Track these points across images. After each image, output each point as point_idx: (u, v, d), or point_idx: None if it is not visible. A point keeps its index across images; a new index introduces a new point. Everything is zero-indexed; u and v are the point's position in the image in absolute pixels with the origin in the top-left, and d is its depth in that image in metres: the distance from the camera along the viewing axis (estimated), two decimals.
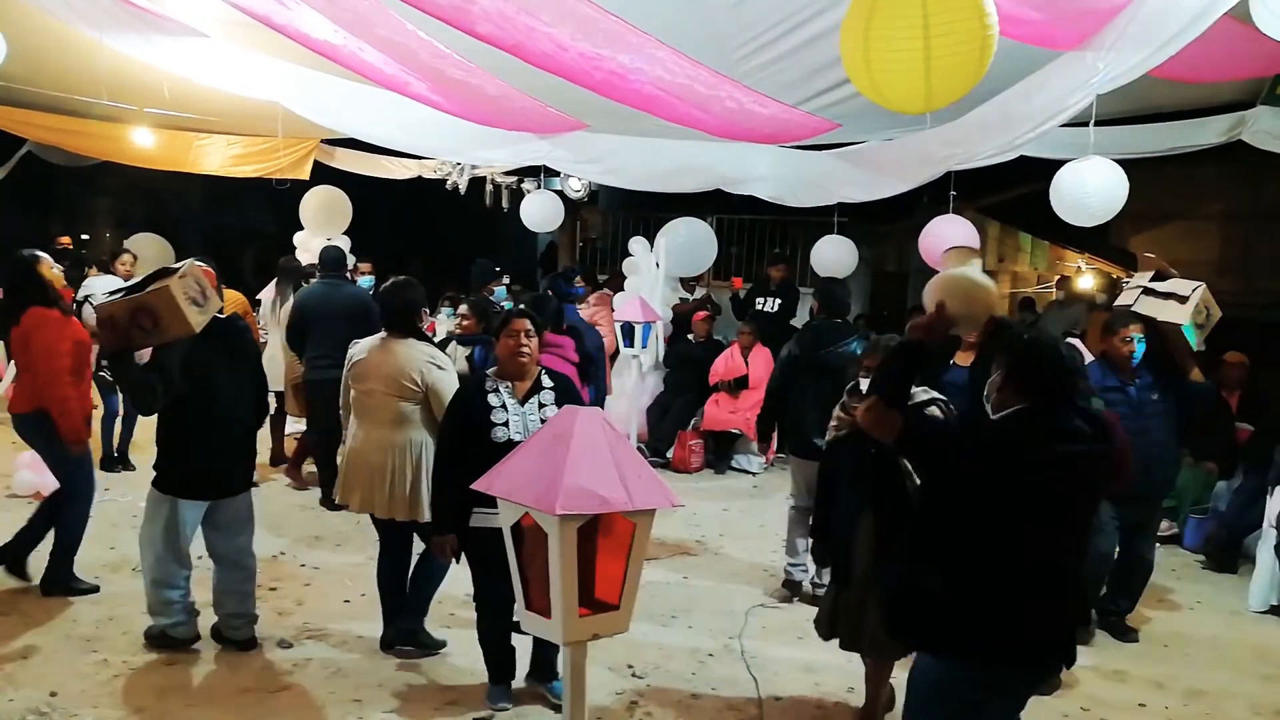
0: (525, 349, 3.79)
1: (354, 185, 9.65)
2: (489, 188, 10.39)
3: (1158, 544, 7.04)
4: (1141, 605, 5.46)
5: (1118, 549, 5.03)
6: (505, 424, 3.74)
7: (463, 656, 4.38)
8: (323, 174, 9.50)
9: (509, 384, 3.82)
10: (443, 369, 4.30)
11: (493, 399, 3.76)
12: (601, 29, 4.57)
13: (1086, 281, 14.27)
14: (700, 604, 5.32)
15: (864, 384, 3.65)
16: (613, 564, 2.21)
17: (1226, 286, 14.47)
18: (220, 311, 4.23)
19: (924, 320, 2.97)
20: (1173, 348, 4.92)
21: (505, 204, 10.42)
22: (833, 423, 4.05)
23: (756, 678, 4.37)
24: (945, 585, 2.69)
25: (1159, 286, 5.06)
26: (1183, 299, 4.92)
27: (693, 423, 8.76)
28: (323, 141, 9.28)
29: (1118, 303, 5.26)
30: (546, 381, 3.88)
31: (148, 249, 9.42)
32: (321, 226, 9.30)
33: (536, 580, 2.23)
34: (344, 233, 9.50)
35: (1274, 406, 6.88)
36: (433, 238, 14.49)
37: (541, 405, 3.81)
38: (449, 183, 9.86)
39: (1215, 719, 4.30)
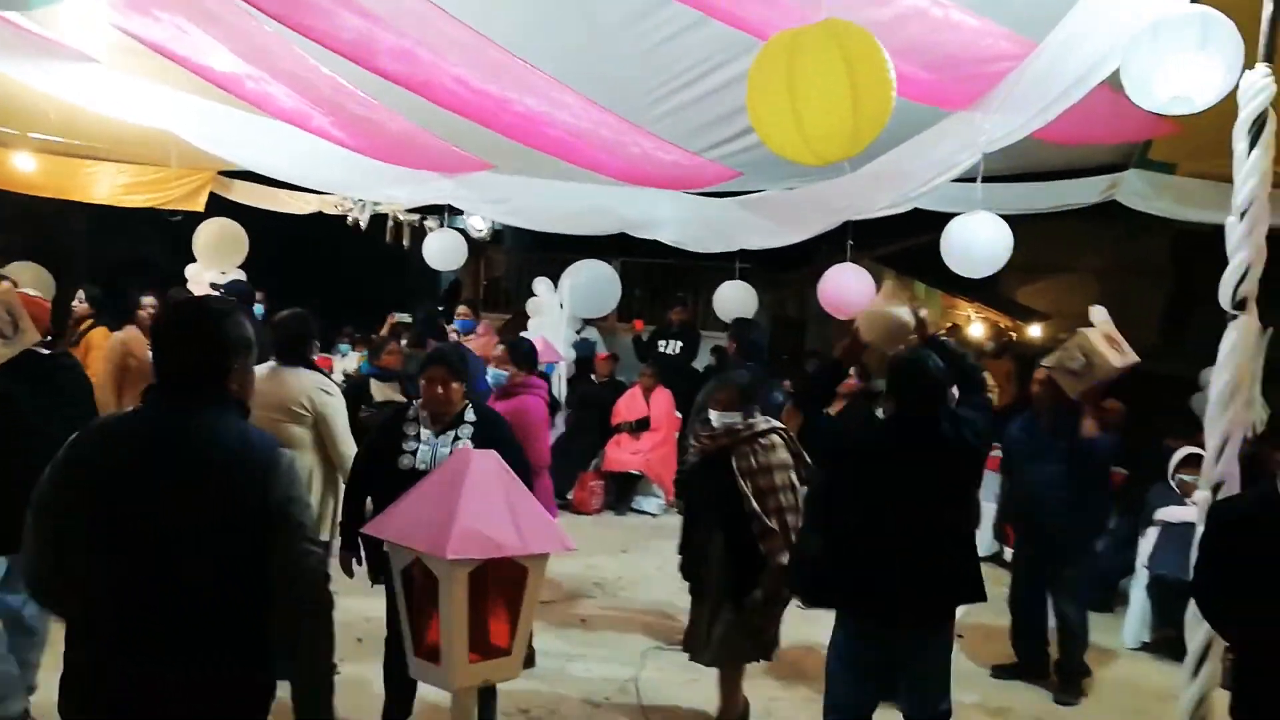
0: (439, 396, 3.87)
1: (251, 219, 9.40)
2: (390, 225, 10.23)
3: None
4: None
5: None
6: (414, 453, 3.83)
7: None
8: (219, 206, 9.24)
9: (428, 415, 3.91)
10: (331, 395, 4.37)
11: (409, 428, 3.89)
12: (510, 73, 4.59)
13: (976, 329, 14.80)
14: (597, 646, 5.28)
15: (713, 415, 4.10)
16: (505, 608, 2.18)
17: None
18: (51, 345, 4.04)
19: (844, 344, 3.86)
20: (1060, 393, 5.02)
21: (407, 242, 10.27)
22: (688, 455, 4.35)
23: None
24: (832, 553, 3.38)
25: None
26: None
27: (593, 464, 8.74)
28: (219, 173, 9.05)
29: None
30: (469, 416, 3.93)
31: (25, 277, 8.98)
32: (215, 260, 9.02)
33: (427, 625, 2.19)
34: (239, 267, 9.24)
35: (1146, 453, 7.22)
36: (333, 274, 14.20)
37: (457, 438, 3.86)
38: (350, 219, 9.69)
39: None
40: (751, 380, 4.33)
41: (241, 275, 9.13)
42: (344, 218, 9.74)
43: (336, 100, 5.16)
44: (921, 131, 4.93)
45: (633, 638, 5.43)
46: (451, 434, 3.86)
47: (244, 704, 1.98)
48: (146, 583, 1.92)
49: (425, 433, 3.88)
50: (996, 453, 5.42)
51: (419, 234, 10.09)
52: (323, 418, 4.30)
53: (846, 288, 6.97)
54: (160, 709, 1.91)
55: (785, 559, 3.89)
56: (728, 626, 4.07)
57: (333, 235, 10.60)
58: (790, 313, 15.12)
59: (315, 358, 4.65)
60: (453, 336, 8.35)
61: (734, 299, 9.02)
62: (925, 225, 7.30)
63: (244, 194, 9.30)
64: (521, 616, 2.23)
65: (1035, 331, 15.41)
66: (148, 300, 6.66)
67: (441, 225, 9.18)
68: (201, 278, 8.93)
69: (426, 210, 9.86)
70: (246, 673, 1.98)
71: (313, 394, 4.29)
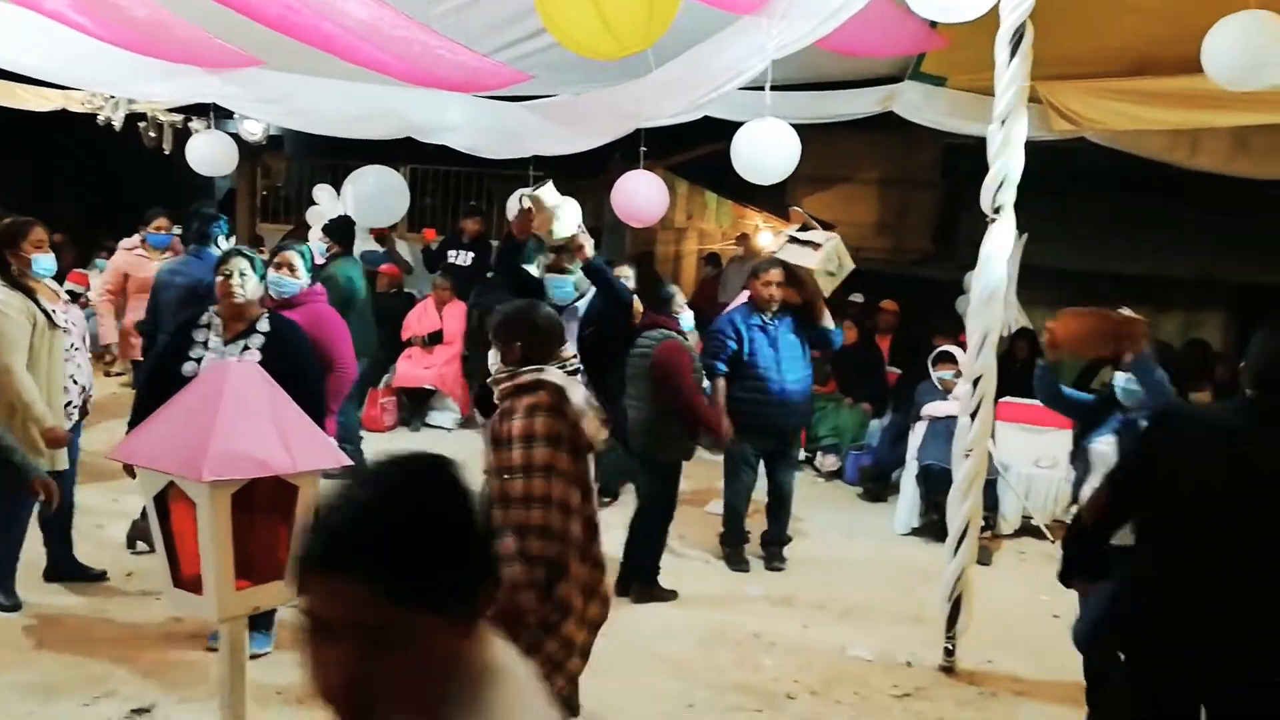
0: (233, 288, 3.67)
1: None
2: (148, 126, 9.27)
3: (824, 478, 7.76)
4: (806, 536, 6.00)
5: (768, 482, 5.66)
6: (199, 360, 3.59)
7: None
8: None
9: (220, 322, 3.72)
10: None
11: (198, 334, 3.69)
12: None
13: (765, 238, 15.26)
14: None
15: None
16: (276, 530, 2.05)
17: (883, 245, 16.07)
18: None
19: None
20: (808, 293, 5.48)
21: (168, 145, 9.35)
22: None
23: None
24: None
25: (802, 236, 5.59)
26: (817, 246, 5.46)
27: (384, 379, 8.48)
28: None
29: (767, 249, 5.73)
30: (263, 325, 3.70)
31: None
32: None
33: (186, 553, 2.02)
34: None
35: (915, 352, 7.71)
36: (92, 181, 12.85)
37: (247, 348, 3.62)
38: (100, 118, 8.71)
39: (852, 631, 4.77)
40: (519, 310, 3.19)
41: None
42: (94, 117, 8.76)
43: None
44: (708, 37, 4.92)
45: None
46: (241, 343, 3.63)
47: None
48: None
49: (214, 340, 3.66)
50: None
51: (184, 136, 9.22)
52: None
53: (639, 195, 6.97)
54: None
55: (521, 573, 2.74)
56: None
57: (86, 137, 9.55)
58: (587, 221, 15.06)
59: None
60: (138, 252, 7.25)
61: None
62: (716, 134, 7.35)
63: None
64: (295, 537, 2.10)
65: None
66: None
67: (209, 127, 8.45)
68: None
69: (191, 110, 9.01)
70: None
71: None
